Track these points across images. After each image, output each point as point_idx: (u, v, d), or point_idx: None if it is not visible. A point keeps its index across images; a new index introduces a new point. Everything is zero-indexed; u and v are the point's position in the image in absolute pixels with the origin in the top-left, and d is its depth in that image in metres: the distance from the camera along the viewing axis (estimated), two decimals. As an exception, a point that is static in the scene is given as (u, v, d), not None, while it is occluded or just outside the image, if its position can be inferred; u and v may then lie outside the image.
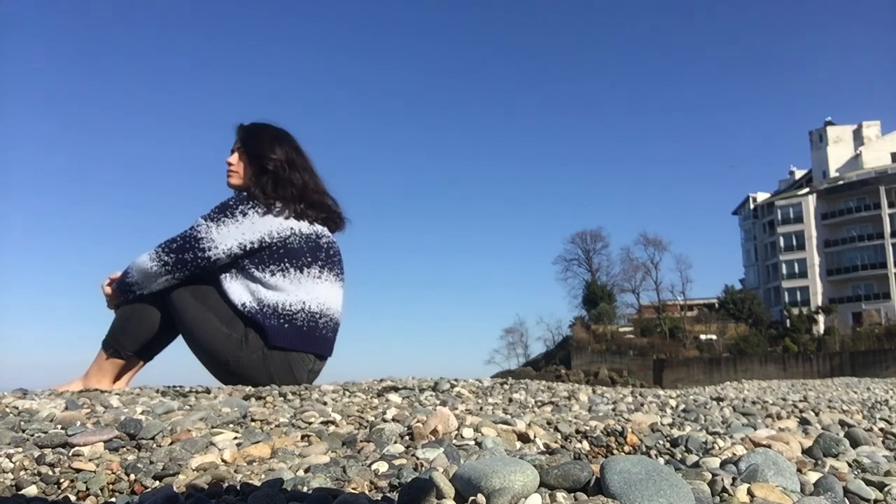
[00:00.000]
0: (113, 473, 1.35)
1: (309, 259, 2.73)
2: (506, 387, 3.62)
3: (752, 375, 35.63)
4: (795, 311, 50.10)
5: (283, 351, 2.73)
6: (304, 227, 2.74)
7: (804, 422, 2.56)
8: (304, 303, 2.71)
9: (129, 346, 2.77)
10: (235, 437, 1.62)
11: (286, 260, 2.68)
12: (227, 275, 2.69)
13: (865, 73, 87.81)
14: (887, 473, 1.48)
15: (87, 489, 1.28)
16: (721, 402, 3.52)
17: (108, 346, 2.76)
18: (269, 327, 2.67)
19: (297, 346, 2.76)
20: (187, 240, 2.63)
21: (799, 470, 1.37)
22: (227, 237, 2.60)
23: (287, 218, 2.72)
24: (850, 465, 1.58)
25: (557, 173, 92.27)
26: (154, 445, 1.57)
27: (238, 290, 2.67)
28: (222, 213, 2.62)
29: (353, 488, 1.23)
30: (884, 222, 52.01)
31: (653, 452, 1.74)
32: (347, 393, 2.67)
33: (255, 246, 2.63)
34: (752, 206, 61.99)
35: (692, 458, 1.62)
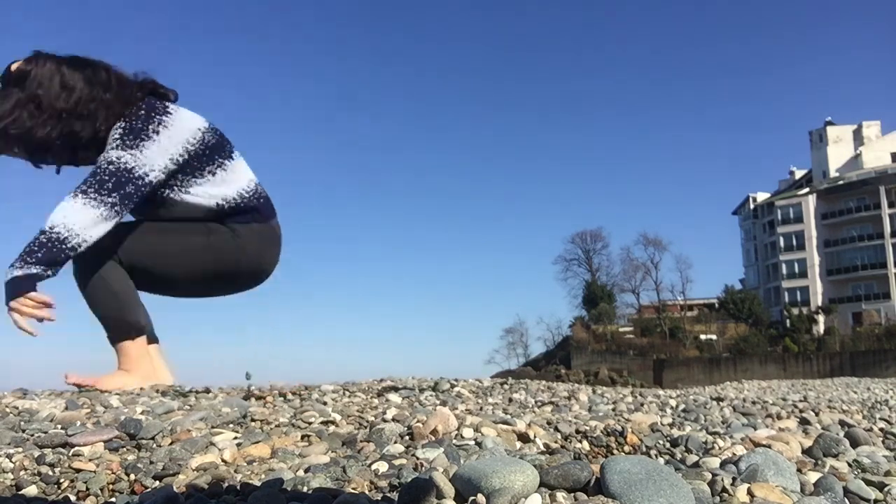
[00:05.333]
0: (113, 473, 1.35)
1: (228, 146, 2.73)
2: (506, 387, 3.62)
3: (752, 375, 35.65)
4: (795, 311, 50.11)
5: (266, 223, 2.76)
6: (200, 121, 2.67)
7: (804, 422, 2.56)
8: (250, 181, 2.75)
9: (141, 319, 2.67)
10: (235, 437, 1.62)
11: (218, 157, 2.64)
12: (178, 190, 2.61)
13: (865, 73, 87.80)
14: (887, 473, 1.48)
15: (87, 489, 1.28)
16: (721, 402, 3.52)
17: (130, 329, 2.60)
18: (250, 208, 2.71)
19: (273, 214, 2.82)
20: (120, 174, 2.44)
21: (799, 470, 1.38)
22: (156, 157, 2.48)
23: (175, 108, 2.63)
24: (850, 465, 1.58)
25: (558, 173, 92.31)
26: (154, 445, 1.57)
27: (198, 198, 2.62)
28: (138, 138, 2.50)
29: (353, 488, 1.23)
30: (884, 222, 52.01)
31: (653, 452, 1.74)
32: (347, 393, 2.67)
33: (186, 157, 2.55)
34: (752, 206, 62.02)
35: (692, 458, 1.62)
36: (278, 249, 2.83)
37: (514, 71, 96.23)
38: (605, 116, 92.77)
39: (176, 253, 2.66)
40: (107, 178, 2.41)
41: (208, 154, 2.62)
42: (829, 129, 58.87)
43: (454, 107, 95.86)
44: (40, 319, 2.28)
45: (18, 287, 2.24)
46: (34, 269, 2.26)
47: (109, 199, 2.39)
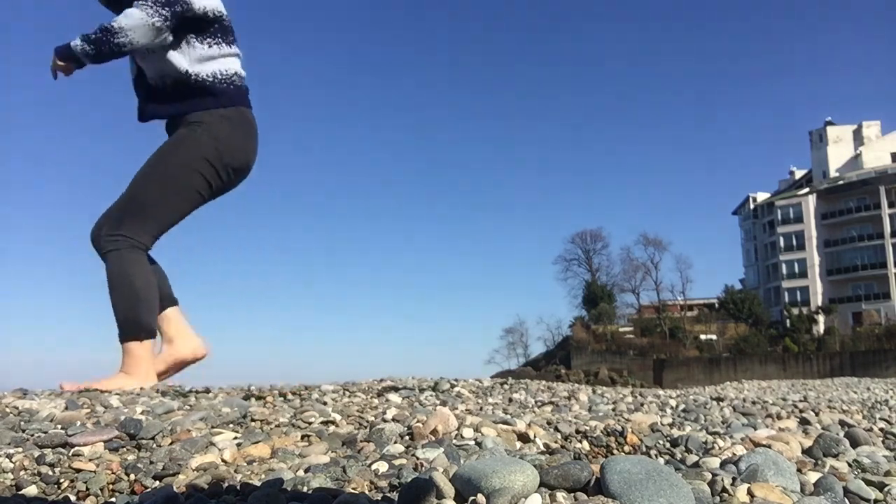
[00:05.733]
0: (113, 473, 1.35)
1: (233, 37, 2.92)
2: (506, 387, 3.62)
3: (752, 375, 35.64)
4: (795, 311, 50.07)
5: (234, 108, 2.85)
6: (224, 9, 2.90)
7: (804, 422, 2.56)
8: (230, 69, 2.88)
9: (154, 321, 2.74)
10: (235, 437, 1.62)
11: (220, 35, 2.85)
12: (173, 42, 2.77)
13: (865, 73, 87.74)
14: (887, 473, 1.48)
15: (87, 489, 1.28)
16: (721, 402, 3.52)
17: (140, 331, 2.68)
18: (218, 91, 2.81)
19: (244, 103, 2.91)
20: None
21: (799, 470, 1.37)
22: None
23: None
24: (850, 465, 1.58)
25: (558, 173, 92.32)
26: (154, 445, 1.57)
27: (180, 58, 2.78)
28: None
29: (353, 488, 1.23)
30: (884, 222, 51.95)
31: (653, 452, 1.74)
32: (347, 393, 2.67)
33: (211, 17, 2.79)
34: (752, 206, 61.96)
35: (692, 458, 1.62)
36: (253, 135, 2.91)
37: (515, 72, 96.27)
38: (605, 116, 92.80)
39: (177, 181, 2.77)
40: None
41: (215, 28, 2.82)
42: (829, 129, 58.82)
43: (455, 108, 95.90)
44: (56, 73, 2.73)
45: (61, 50, 2.69)
46: (80, 46, 2.67)
47: (162, 11, 2.70)
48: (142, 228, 2.69)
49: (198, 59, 2.77)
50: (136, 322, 2.66)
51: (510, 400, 2.92)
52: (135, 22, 2.66)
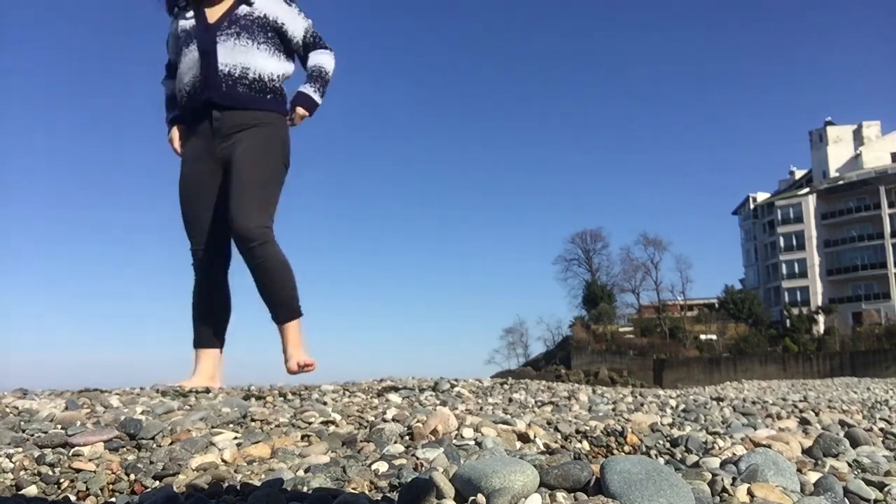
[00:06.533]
0: (113, 473, 1.35)
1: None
2: (506, 387, 3.62)
3: (752, 375, 35.64)
4: (795, 311, 50.04)
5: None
6: None
7: (804, 422, 2.56)
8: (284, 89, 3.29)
9: None
10: (235, 437, 1.62)
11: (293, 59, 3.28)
12: (271, 49, 3.12)
13: (865, 73, 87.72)
14: (887, 473, 1.48)
15: (87, 489, 1.28)
16: (721, 402, 3.52)
17: (300, 311, 2.95)
18: (284, 102, 3.16)
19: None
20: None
21: (799, 470, 1.37)
22: None
23: None
24: (850, 465, 1.58)
25: (558, 173, 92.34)
26: (154, 445, 1.57)
27: (277, 65, 3.12)
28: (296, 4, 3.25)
29: (353, 488, 1.23)
30: (884, 222, 51.91)
31: (653, 452, 1.74)
32: (347, 393, 2.67)
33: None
34: (752, 207, 61.93)
35: (692, 458, 1.62)
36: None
37: (516, 73, 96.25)
38: (604, 116, 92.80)
39: (281, 176, 3.10)
40: (318, 34, 3.27)
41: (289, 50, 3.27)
42: (829, 129, 58.80)
43: (456, 108, 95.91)
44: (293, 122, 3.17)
45: (307, 102, 3.15)
46: (318, 98, 3.18)
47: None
48: (272, 219, 3.00)
49: (284, 73, 3.15)
50: (297, 303, 2.95)
51: (510, 400, 2.92)
52: (334, 66, 3.26)
